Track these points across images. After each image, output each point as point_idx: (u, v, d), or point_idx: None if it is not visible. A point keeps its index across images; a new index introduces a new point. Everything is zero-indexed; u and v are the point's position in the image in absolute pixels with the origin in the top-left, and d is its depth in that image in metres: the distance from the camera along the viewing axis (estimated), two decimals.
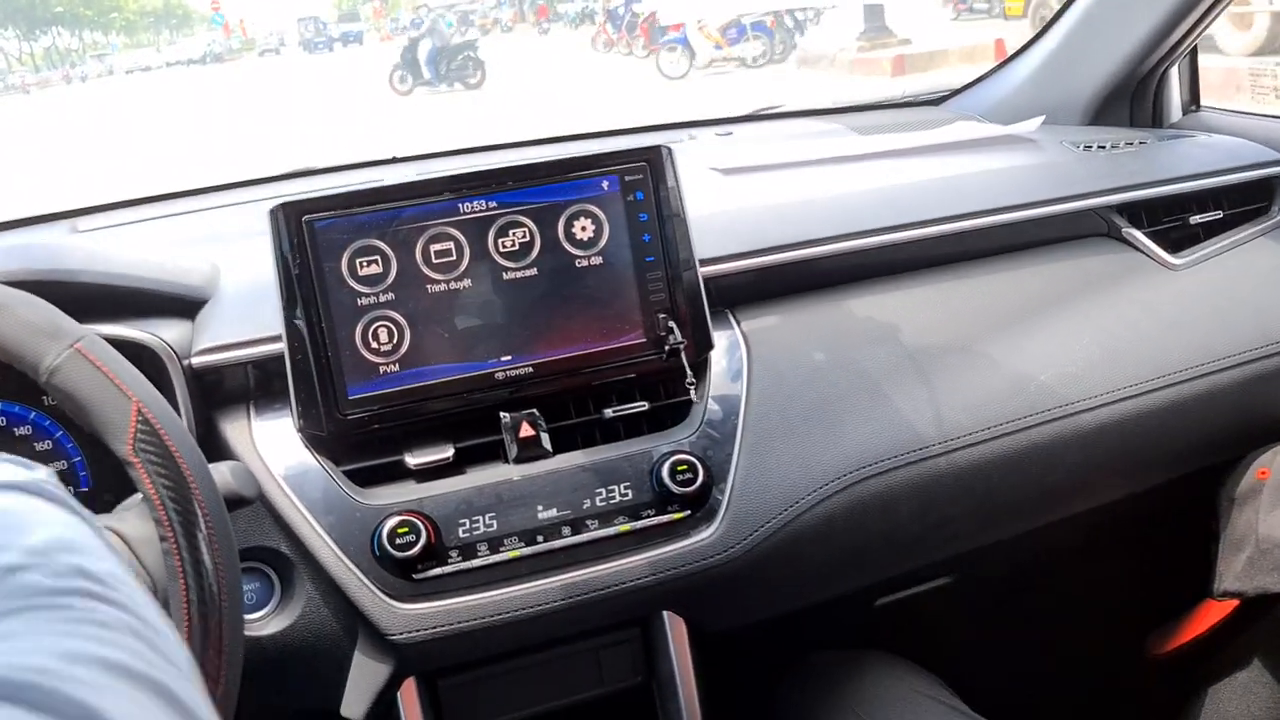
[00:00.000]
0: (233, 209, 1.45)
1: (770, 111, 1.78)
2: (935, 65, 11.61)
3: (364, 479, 0.98)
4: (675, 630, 1.05)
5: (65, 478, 1.05)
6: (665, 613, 1.05)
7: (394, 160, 1.63)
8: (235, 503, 0.80)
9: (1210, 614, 1.24)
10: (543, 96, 12.25)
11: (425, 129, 10.83)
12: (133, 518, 0.76)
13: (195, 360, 0.98)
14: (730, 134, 1.65)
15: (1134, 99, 1.53)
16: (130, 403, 0.72)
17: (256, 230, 1.24)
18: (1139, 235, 1.29)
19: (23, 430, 1.04)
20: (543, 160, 1.01)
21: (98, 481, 1.06)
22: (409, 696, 1.00)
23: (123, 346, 0.94)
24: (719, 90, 11.81)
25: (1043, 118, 1.47)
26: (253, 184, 1.58)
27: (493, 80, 14.64)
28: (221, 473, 0.80)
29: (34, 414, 1.04)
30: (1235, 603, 1.21)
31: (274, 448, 0.98)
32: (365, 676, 0.99)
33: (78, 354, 0.72)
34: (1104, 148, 1.39)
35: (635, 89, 12.80)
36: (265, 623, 0.97)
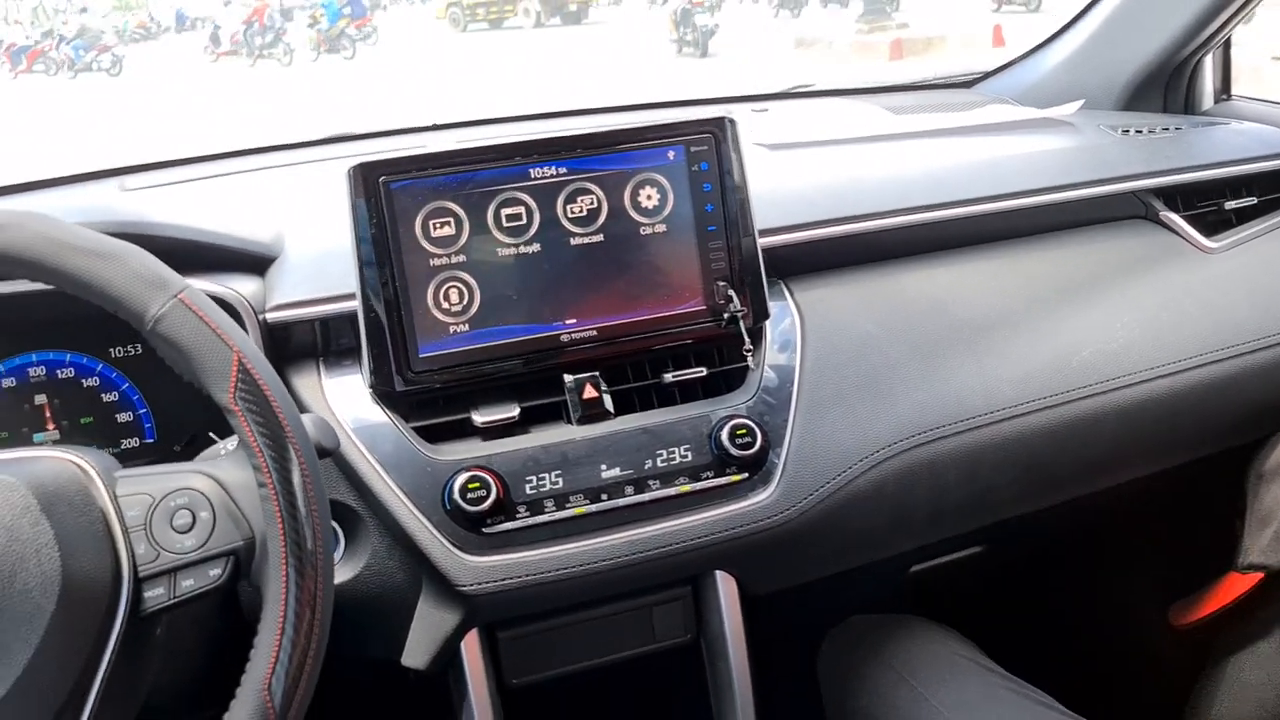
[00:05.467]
0: (275, 171, 1.46)
1: (803, 90, 1.80)
2: (933, 50, 11.63)
3: (431, 435, 1.00)
4: (727, 589, 1.08)
5: (131, 429, 1.07)
6: (718, 572, 1.08)
7: (434, 127, 1.64)
8: (319, 454, 0.82)
9: (1234, 587, 1.28)
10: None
11: None
12: (229, 464, 0.78)
13: (270, 315, 1.00)
14: (766, 110, 1.66)
15: (1168, 86, 1.56)
16: (231, 353, 0.73)
17: (306, 190, 1.27)
18: (1176, 219, 1.32)
19: (90, 381, 1.06)
20: (613, 129, 1.02)
21: (163, 433, 1.08)
22: (472, 647, 1.03)
23: None
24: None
25: (1081, 102, 1.50)
26: (295, 147, 1.58)
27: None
28: (307, 424, 0.82)
29: (101, 366, 1.06)
30: (1259, 576, 1.24)
31: (344, 403, 1.00)
32: (430, 627, 1.01)
33: (181, 304, 0.73)
34: (1140, 132, 1.42)
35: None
36: None
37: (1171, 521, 1.51)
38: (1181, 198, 1.34)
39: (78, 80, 15.94)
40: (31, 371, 1.04)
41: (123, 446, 1.07)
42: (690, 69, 12.53)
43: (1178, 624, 1.36)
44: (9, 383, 1.04)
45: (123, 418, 1.07)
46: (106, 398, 1.06)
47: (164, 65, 17.21)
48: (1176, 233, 1.33)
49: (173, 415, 1.08)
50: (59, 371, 1.05)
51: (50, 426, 1.05)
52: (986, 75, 1.79)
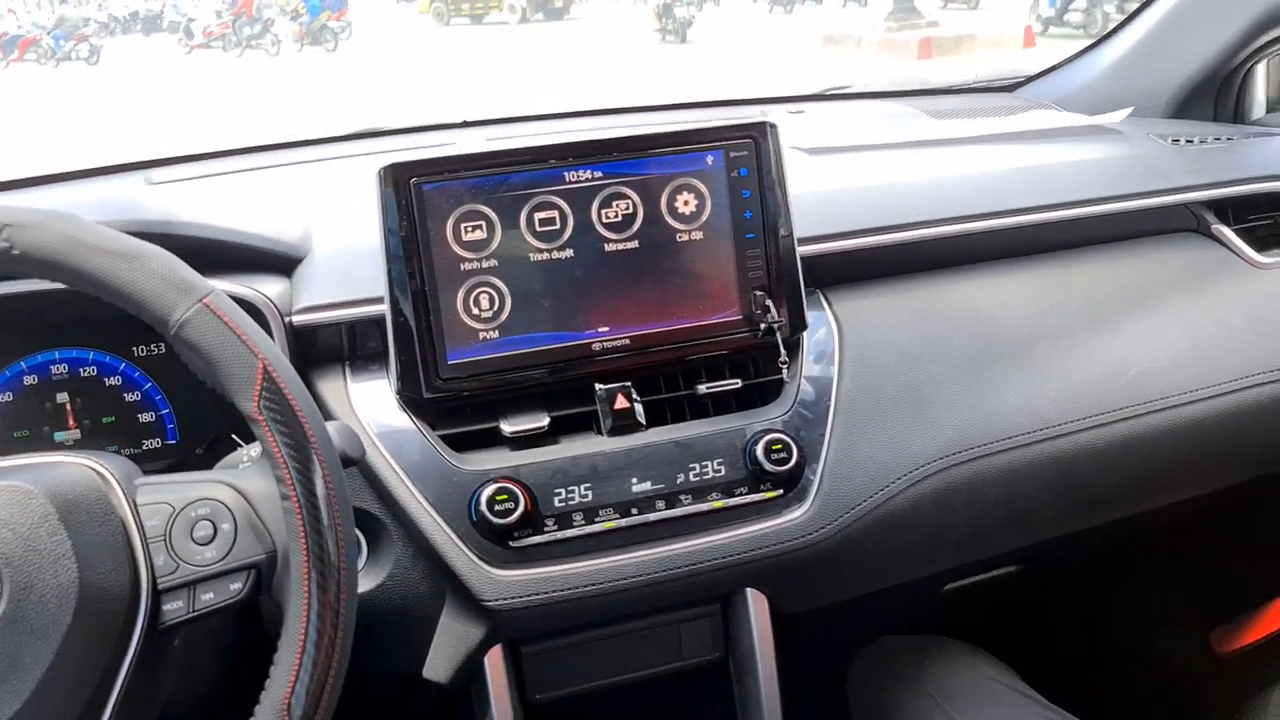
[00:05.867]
0: (304, 166, 1.44)
1: (841, 91, 1.76)
2: (963, 49, 11.55)
3: (459, 444, 0.98)
4: (758, 607, 1.05)
5: (153, 430, 1.05)
6: (749, 590, 1.05)
7: (463, 124, 1.62)
8: (344, 463, 0.80)
9: (1278, 614, 1.24)
10: None
11: None
12: (252, 474, 0.76)
13: (296, 319, 0.98)
14: (802, 112, 1.63)
15: (1219, 94, 1.51)
16: (256, 360, 0.72)
17: (333, 187, 1.24)
18: (1227, 232, 1.28)
19: (113, 380, 1.04)
20: (651, 132, 1.00)
21: (185, 435, 1.06)
22: (495, 663, 1.00)
23: None
24: None
25: (1130, 109, 1.46)
26: (321, 143, 1.57)
27: None
28: (332, 433, 0.80)
29: (124, 364, 1.04)
30: None
31: (370, 409, 0.98)
32: (453, 641, 0.99)
33: (206, 309, 0.71)
34: (1192, 142, 1.38)
35: None
36: None
37: (1216, 545, 1.48)
38: (1234, 211, 1.30)
39: (60, 69, 16.33)
40: (54, 369, 1.03)
41: (144, 447, 1.05)
42: (670, 54, 14.03)
43: (1220, 651, 1.32)
44: (31, 380, 1.02)
45: (145, 418, 1.05)
46: (129, 397, 1.05)
47: (140, 57, 17.58)
48: (1228, 247, 1.29)
49: (195, 416, 1.06)
50: (81, 370, 1.03)
51: (71, 425, 1.03)
52: (1029, 79, 1.75)
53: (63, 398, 1.03)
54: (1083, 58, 1.67)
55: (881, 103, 1.69)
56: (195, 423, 1.06)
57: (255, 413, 0.72)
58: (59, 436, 1.03)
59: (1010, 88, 1.76)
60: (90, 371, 1.04)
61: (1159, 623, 1.52)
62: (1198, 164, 1.31)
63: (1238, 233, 1.29)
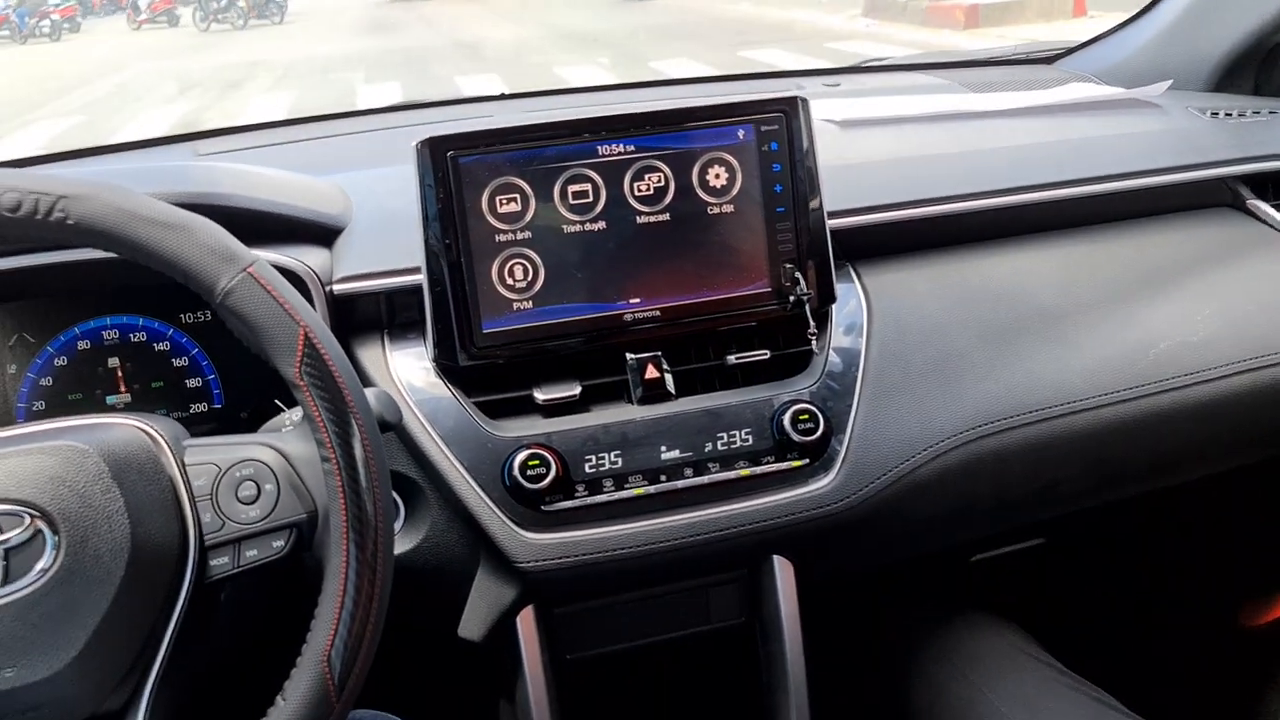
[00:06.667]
0: (345, 138, 1.47)
1: (878, 64, 1.76)
2: (1010, 19, 11.30)
3: (493, 411, 1.00)
4: (784, 574, 1.07)
5: (200, 394, 1.09)
6: (775, 557, 1.07)
7: (500, 97, 1.64)
8: (382, 428, 0.83)
9: None
10: None
11: None
12: (294, 438, 0.79)
13: (336, 288, 1.00)
14: (838, 85, 1.63)
15: (1261, 67, 1.49)
16: (298, 328, 0.74)
17: (373, 159, 1.27)
18: (1265, 207, 1.27)
19: (161, 346, 1.07)
20: (682, 106, 1.01)
21: (230, 399, 1.09)
22: (527, 623, 1.03)
23: None
24: None
25: (1169, 82, 1.44)
26: (363, 114, 1.59)
27: None
28: (370, 399, 0.83)
29: (172, 330, 1.07)
30: None
31: (408, 376, 1.01)
32: (487, 601, 1.02)
33: (250, 278, 0.74)
34: (1231, 115, 1.36)
35: None
36: None
37: (1246, 517, 1.47)
38: (1273, 186, 1.29)
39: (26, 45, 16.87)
40: (105, 334, 1.06)
41: (191, 411, 1.08)
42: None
43: (1249, 624, 1.32)
44: (84, 345, 1.06)
45: (192, 383, 1.09)
46: (177, 363, 1.08)
47: (93, 31, 18.24)
48: (1265, 222, 1.27)
49: (240, 382, 1.09)
50: (132, 335, 1.07)
51: (122, 389, 1.07)
52: (1069, 51, 1.73)
53: (114, 362, 1.07)
54: (1124, 29, 1.65)
55: (918, 75, 1.68)
56: (240, 388, 1.09)
57: (297, 378, 0.74)
58: (111, 399, 1.06)
59: (1050, 60, 1.74)
60: (140, 337, 1.07)
61: (1188, 595, 1.52)
62: (1236, 138, 1.30)
63: (1276, 208, 1.28)
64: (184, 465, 0.76)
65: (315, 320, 0.76)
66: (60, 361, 1.05)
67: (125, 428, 0.76)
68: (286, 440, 0.79)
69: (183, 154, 1.41)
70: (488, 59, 10.99)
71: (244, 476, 0.76)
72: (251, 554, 0.76)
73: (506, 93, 1.63)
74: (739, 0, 14.76)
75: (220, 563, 0.75)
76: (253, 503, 0.76)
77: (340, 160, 1.33)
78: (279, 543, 0.76)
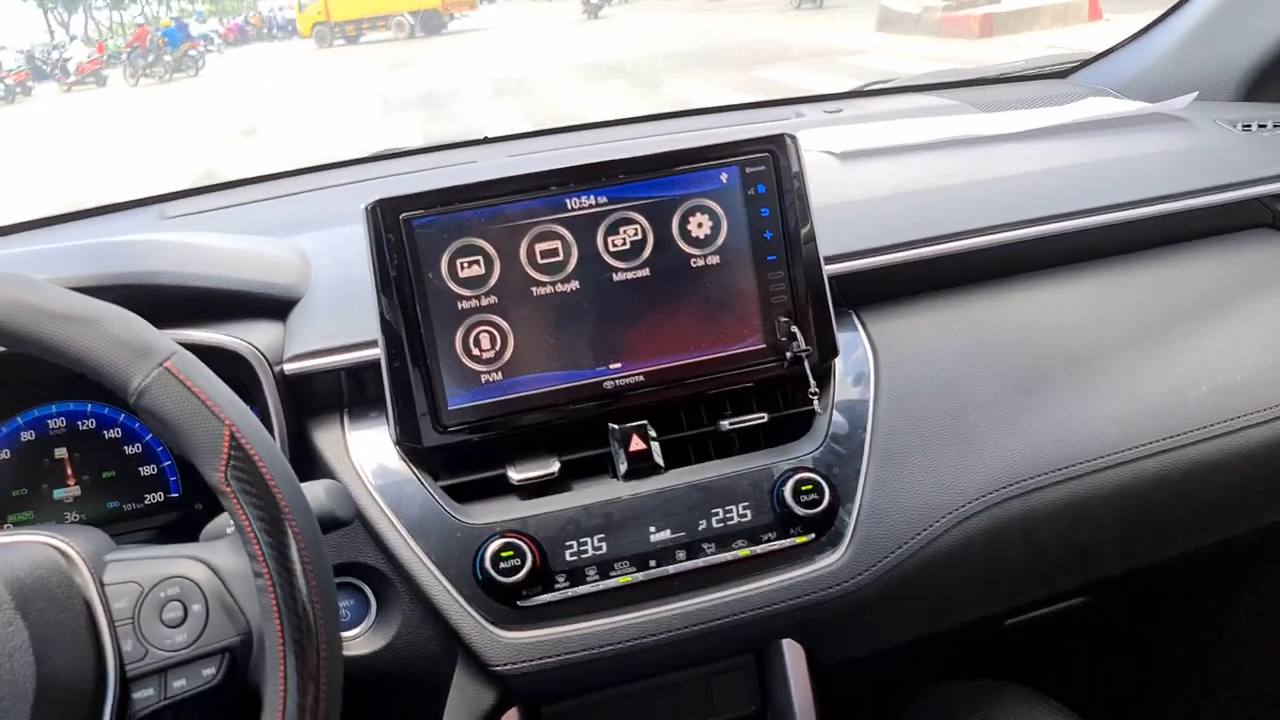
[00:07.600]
0: (322, 193, 1.40)
1: (881, 86, 1.67)
2: (1025, 26, 11.23)
3: (463, 494, 0.93)
4: (794, 659, 0.99)
5: (154, 483, 1.02)
6: (784, 641, 0.98)
7: (485, 141, 1.57)
8: (331, 525, 0.76)
9: None
10: None
11: None
12: (224, 549, 0.73)
13: (288, 367, 0.93)
14: (840, 111, 1.55)
15: None
16: (223, 426, 0.67)
17: (346, 216, 1.19)
18: None
19: (112, 433, 1.01)
20: (657, 151, 0.93)
21: (187, 487, 1.02)
22: None
23: (212, 353, 0.89)
24: None
25: (1195, 94, 1.35)
26: (340, 166, 1.53)
27: None
28: (317, 494, 0.75)
29: (123, 416, 1.01)
30: None
31: (370, 460, 0.93)
32: (467, 703, 0.94)
33: (168, 373, 0.67)
34: (1264, 127, 1.27)
35: None
36: (360, 642, 0.93)
37: None
38: None
39: None
40: (51, 424, 1.00)
41: (146, 501, 1.02)
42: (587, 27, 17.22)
43: None
44: (28, 436, 0.99)
45: (146, 471, 1.02)
46: (129, 450, 1.01)
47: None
48: None
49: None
50: (80, 423, 1.00)
51: (71, 482, 1.00)
52: (1084, 63, 1.64)
53: (61, 453, 1.00)
54: (1143, 37, 1.56)
55: (924, 97, 1.59)
56: (197, 475, 1.02)
57: (222, 484, 0.68)
58: (58, 494, 1.00)
59: (1065, 73, 1.66)
60: (89, 425, 1.00)
61: (1246, 660, 1.40)
62: (1271, 152, 1.21)
63: None
64: (103, 586, 0.70)
65: (244, 416, 0.69)
66: (2, 455, 0.98)
67: (35, 546, 0.70)
68: (217, 552, 0.73)
69: (149, 217, 1.36)
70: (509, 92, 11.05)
71: (169, 596, 0.70)
72: (180, 684, 0.69)
73: (490, 136, 1.56)
74: (758, 24, 14.86)
75: (144, 695, 0.69)
76: (179, 626, 0.70)
77: (311, 218, 1.26)
78: (209, 670, 0.70)
